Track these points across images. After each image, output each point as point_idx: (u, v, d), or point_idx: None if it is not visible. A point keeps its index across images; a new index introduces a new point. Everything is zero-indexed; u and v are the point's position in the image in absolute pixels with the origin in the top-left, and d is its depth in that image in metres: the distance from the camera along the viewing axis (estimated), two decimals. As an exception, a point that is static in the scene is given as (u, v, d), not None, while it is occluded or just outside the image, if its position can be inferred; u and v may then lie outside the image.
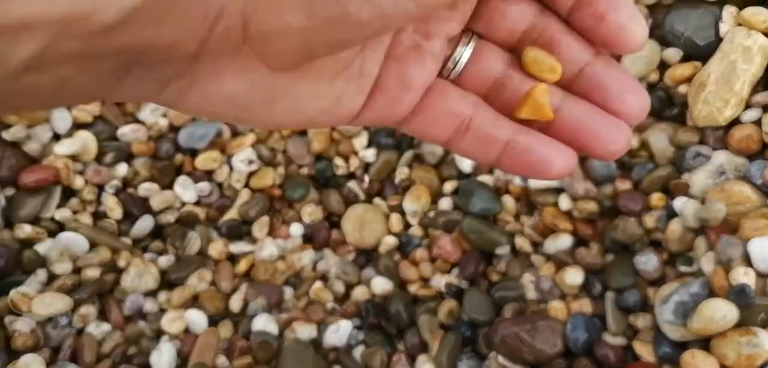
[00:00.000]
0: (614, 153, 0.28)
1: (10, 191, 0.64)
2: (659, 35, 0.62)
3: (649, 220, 0.58)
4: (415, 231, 0.67)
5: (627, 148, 0.28)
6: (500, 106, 0.29)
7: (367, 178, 0.71)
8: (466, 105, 0.28)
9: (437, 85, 0.29)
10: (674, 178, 0.58)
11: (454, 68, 0.29)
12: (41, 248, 0.62)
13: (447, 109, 0.28)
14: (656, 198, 0.58)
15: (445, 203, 0.68)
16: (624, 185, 0.60)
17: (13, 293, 0.60)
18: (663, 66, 0.62)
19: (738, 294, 0.48)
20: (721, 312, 0.48)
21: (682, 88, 0.60)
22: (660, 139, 0.60)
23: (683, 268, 0.55)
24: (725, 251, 0.50)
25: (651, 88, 0.62)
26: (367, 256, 0.68)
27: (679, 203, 0.57)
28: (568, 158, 0.28)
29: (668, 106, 0.62)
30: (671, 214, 0.57)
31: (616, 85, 0.28)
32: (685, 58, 0.61)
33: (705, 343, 0.50)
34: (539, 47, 0.29)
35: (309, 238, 0.69)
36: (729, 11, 0.60)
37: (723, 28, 0.60)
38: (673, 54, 0.61)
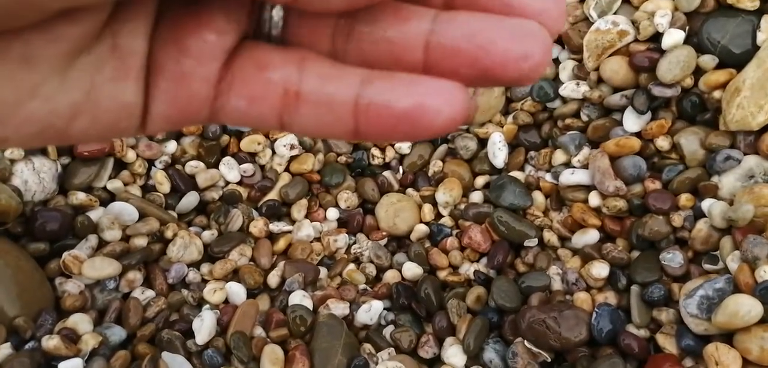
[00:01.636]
0: (527, 72, 0.19)
1: (65, 159, 0.68)
2: (696, 42, 0.64)
3: (677, 219, 0.59)
4: (446, 221, 0.69)
5: (545, 61, 0.19)
6: (362, 63, 0.21)
7: (401, 169, 0.74)
8: (286, 64, 0.20)
9: (244, 49, 0.21)
10: (704, 179, 0.60)
11: (270, 21, 0.21)
12: (93, 215, 0.66)
13: (261, 77, 0.21)
14: (685, 199, 0.60)
15: (476, 196, 0.70)
16: (654, 185, 0.62)
17: (65, 255, 0.63)
18: (698, 72, 0.63)
19: (763, 291, 0.49)
20: (745, 307, 0.49)
21: (716, 94, 0.62)
22: (691, 141, 0.61)
23: (708, 266, 0.56)
24: (751, 249, 0.52)
25: (685, 92, 0.64)
26: (399, 243, 0.71)
27: (707, 204, 0.58)
28: (455, 96, 0.19)
29: (701, 110, 0.63)
30: (698, 214, 0.58)
31: None
32: (721, 65, 0.62)
33: (728, 337, 0.51)
34: None
35: (344, 222, 0.72)
36: (767, 21, 0.61)
37: (760, 37, 0.61)
38: (708, 61, 0.63)
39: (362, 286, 0.67)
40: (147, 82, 0.21)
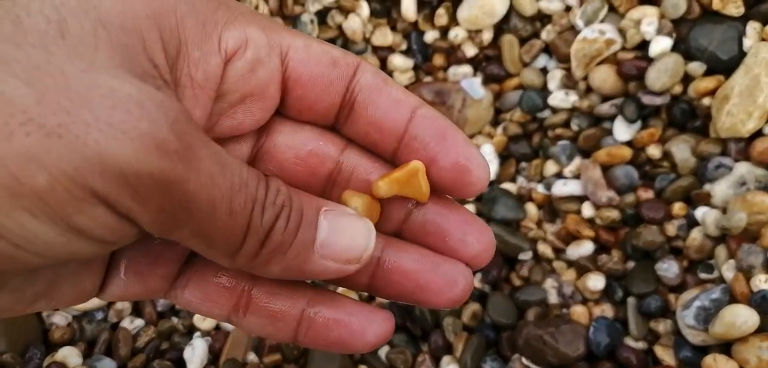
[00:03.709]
0: (451, 301, 0.24)
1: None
2: (683, 49, 0.64)
3: (671, 228, 0.59)
4: (440, 236, 0.69)
5: (467, 293, 0.24)
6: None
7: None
8: (240, 273, 0.23)
9: None
10: (696, 188, 0.60)
11: None
12: (80, 244, 0.65)
13: (217, 283, 0.23)
14: (678, 208, 0.59)
15: (469, 209, 0.69)
16: (646, 194, 0.61)
17: (52, 287, 0.62)
18: (687, 79, 0.63)
19: (759, 301, 0.49)
20: (742, 317, 0.49)
21: (706, 101, 0.62)
22: (682, 149, 0.61)
23: (703, 275, 0.56)
24: (746, 259, 0.51)
25: (674, 100, 0.64)
26: (392, 260, 0.70)
27: (700, 212, 0.58)
28: (382, 324, 0.24)
29: (691, 118, 0.63)
30: (692, 223, 0.58)
31: (454, 224, 0.24)
32: (709, 72, 0.62)
33: (726, 348, 0.51)
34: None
35: (336, 241, 0.71)
36: (753, 27, 0.61)
37: (746, 43, 0.61)
38: (696, 67, 0.63)
39: (356, 306, 0.66)
40: (107, 272, 0.22)
